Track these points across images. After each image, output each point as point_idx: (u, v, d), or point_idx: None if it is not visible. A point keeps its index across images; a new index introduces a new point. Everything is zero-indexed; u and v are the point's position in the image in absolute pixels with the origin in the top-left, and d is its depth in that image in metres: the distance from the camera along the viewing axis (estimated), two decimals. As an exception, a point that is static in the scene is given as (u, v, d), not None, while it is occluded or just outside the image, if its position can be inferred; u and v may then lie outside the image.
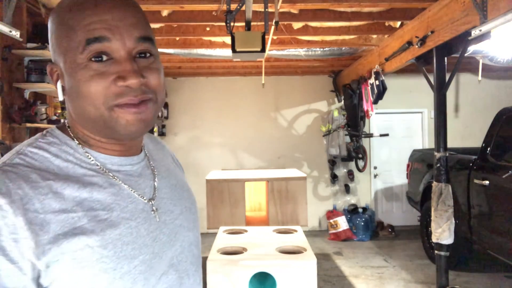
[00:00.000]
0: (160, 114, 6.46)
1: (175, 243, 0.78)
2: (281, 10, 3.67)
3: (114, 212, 0.69)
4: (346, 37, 4.60)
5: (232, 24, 3.07)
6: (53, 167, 0.67)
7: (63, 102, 0.86)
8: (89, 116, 0.69)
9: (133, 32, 0.68)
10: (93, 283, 0.64)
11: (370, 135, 6.23)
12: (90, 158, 0.72)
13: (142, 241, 0.71)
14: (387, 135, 6.30)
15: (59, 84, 0.71)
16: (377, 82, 4.72)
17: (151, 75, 0.70)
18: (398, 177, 6.89)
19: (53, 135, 0.72)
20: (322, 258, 5.35)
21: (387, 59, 4.42)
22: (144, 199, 0.75)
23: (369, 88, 5.01)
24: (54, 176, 0.66)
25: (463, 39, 3.13)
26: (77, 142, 0.72)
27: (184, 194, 0.87)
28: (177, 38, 4.74)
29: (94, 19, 0.66)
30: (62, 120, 3.54)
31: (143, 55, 0.70)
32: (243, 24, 3.33)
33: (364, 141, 6.39)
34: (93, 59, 0.66)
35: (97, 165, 0.72)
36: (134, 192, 0.74)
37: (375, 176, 7.05)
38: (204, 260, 2.73)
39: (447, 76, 3.58)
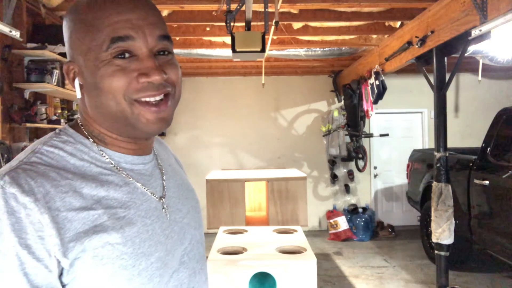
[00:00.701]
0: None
1: (184, 241, 0.80)
2: (281, 10, 3.67)
3: (131, 210, 0.70)
4: (346, 37, 4.60)
5: (232, 24, 3.07)
6: (70, 166, 0.68)
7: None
8: (110, 112, 0.70)
9: (154, 31, 0.70)
10: (113, 279, 0.65)
11: (370, 135, 6.23)
12: (105, 156, 0.72)
13: (157, 238, 0.72)
14: (387, 135, 6.30)
15: (77, 82, 0.71)
16: (377, 82, 4.72)
17: (171, 70, 0.72)
18: (398, 177, 6.89)
19: (67, 134, 0.73)
20: (322, 258, 5.35)
21: (387, 59, 4.42)
22: (156, 198, 0.76)
23: (369, 88, 5.01)
24: (72, 174, 0.67)
25: (463, 39, 3.13)
26: (92, 141, 0.73)
27: (189, 194, 0.89)
28: (177, 38, 4.74)
29: (118, 18, 0.67)
30: (62, 120, 3.54)
31: (162, 52, 0.72)
32: (243, 24, 3.33)
33: (364, 141, 6.39)
34: (116, 56, 0.67)
35: (112, 164, 0.73)
36: (147, 190, 0.75)
37: (375, 176, 7.05)
38: (204, 260, 2.74)
39: (447, 76, 3.58)
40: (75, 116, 0.76)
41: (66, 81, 3.40)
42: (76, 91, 0.73)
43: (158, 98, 0.70)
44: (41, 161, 0.66)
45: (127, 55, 0.68)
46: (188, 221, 0.83)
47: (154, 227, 0.73)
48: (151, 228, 0.72)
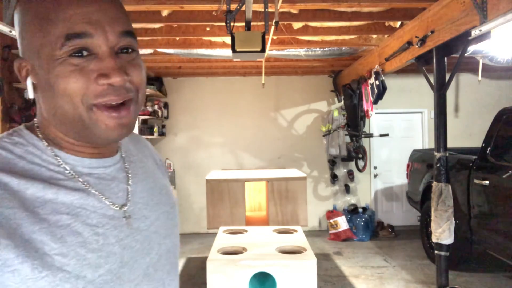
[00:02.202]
0: (160, 114, 6.46)
1: (150, 251, 0.73)
2: (281, 10, 3.67)
3: (79, 217, 0.64)
4: (346, 37, 4.59)
5: (232, 24, 3.07)
6: (17, 169, 0.62)
7: (33, 102, 0.81)
8: (65, 116, 0.64)
9: (115, 27, 0.64)
10: None
11: (370, 135, 6.24)
12: (59, 160, 0.67)
13: (109, 249, 0.66)
14: (387, 135, 6.30)
15: (29, 81, 0.65)
16: (377, 82, 4.72)
17: (134, 71, 0.66)
18: (398, 177, 6.89)
19: (20, 135, 0.67)
20: (322, 258, 5.35)
21: (387, 59, 4.42)
22: (116, 206, 0.70)
23: (369, 88, 5.01)
24: (18, 178, 0.61)
25: (463, 39, 3.13)
26: (46, 144, 0.67)
27: (162, 198, 0.81)
28: (177, 38, 4.74)
29: (74, 12, 0.61)
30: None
31: (125, 50, 0.66)
32: (243, 24, 3.33)
33: (364, 141, 6.39)
34: (73, 54, 0.61)
35: (66, 168, 0.67)
36: (104, 198, 0.69)
37: (375, 176, 7.05)
38: (204, 260, 2.74)
39: (447, 76, 3.58)
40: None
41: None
42: (28, 91, 0.66)
43: (118, 102, 0.64)
44: None
45: (85, 53, 0.62)
46: (156, 229, 0.76)
47: (107, 237, 0.66)
48: (103, 238, 0.65)
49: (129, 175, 0.76)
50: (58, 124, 0.67)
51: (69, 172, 0.66)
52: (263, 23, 3.17)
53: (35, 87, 0.66)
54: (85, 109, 0.63)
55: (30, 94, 0.66)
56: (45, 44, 0.62)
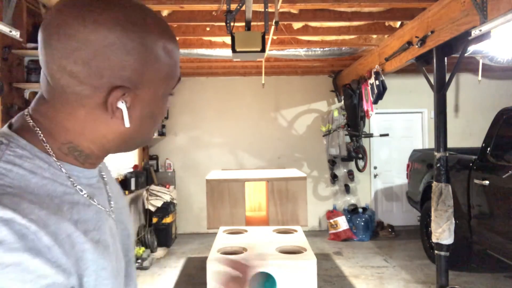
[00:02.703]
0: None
1: (128, 253, 0.79)
2: (281, 10, 3.67)
3: (101, 230, 0.65)
4: (346, 37, 4.60)
5: (232, 24, 3.07)
6: (32, 186, 0.58)
7: None
8: (139, 138, 0.70)
9: None
10: None
11: (370, 135, 6.24)
12: (66, 173, 0.64)
13: (119, 254, 0.71)
14: (387, 135, 6.30)
15: (124, 107, 0.63)
16: (377, 82, 4.72)
17: None
18: (398, 177, 6.89)
19: (20, 146, 0.61)
20: (322, 258, 5.35)
21: (387, 59, 4.42)
22: (108, 213, 0.71)
23: (369, 88, 5.01)
24: (35, 196, 0.58)
25: (463, 39, 3.13)
26: (53, 154, 0.63)
27: (124, 202, 0.85)
28: (177, 38, 4.72)
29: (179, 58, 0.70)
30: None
31: None
32: (243, 24, 3.33)
33: (364, 141, 6.39)
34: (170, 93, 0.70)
35: (74, 181, 0.64)
36: (101, 207, 0.69)
37: (375, 176, 7.05)
38: (204, 260, 2.74)
39: (447, 76, 3.58)
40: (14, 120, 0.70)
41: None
42: (125, 118, 0.64)
43: None
44: (5, 182, 0.56)
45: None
46: (128, 232, 0.80)
47: (116, 244, 0.70)
48: (114, 247, 0.69)
49: (106, 182, 0.77)
50: (117, 144, 0.69)
51: (76, 185, 0.65)
52: (263, 23, 3.17)
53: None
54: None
55: (127, 122, 0.64)
56: (158, 80, 0.65)
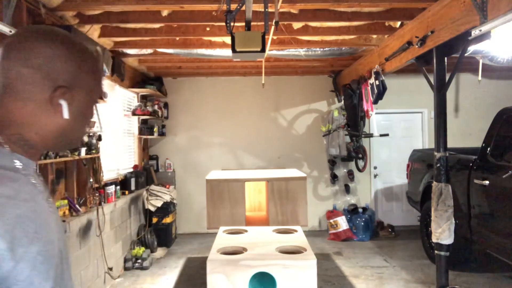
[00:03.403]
0: (160, 114, 6.46)
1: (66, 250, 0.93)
2: (281, 10, 3.67)
3: (58, 221, 0.84)
4: (346, 37, 4.59)
5: (232, 24, 3.07)
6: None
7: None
8: (75, 134, 0.90)
9: None
10: None
11: (370, 135, 6.24)
12: (15, 160, 0.80)
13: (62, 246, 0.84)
14: (387, 135, 6.30)
15: (65, 104, 0.83)
16: (377, 82, 4.72)
17: None
18: (398, 177, 6.89)
19: (19, 160, 0.80)
20: (322, 258, 5.35)
21: (387, 59, 4.42)
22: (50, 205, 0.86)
23: (369, 88, 5.01)
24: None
25: (463, 39, 3.13)
26: (25, 156, 0.81)
27: None
28: (177, 38, 4.74)
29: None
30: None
31: None
32: (243, 24, 3.32)
33: (364, 141, 6.39)
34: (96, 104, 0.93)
35: (33, 174, 0.82)
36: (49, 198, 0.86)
37: (375, 176, 7.05)
38: (204, 260, 2.74)
39: (447, 76, 3.58)
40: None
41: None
42: (64, 111, 0.83)
43: None
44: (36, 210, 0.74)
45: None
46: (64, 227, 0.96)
47: (61, 233, 0.85)
48: (60, 235, 0.83)
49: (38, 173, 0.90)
50: (55, 136, 0.85)
51: (25, 173, 0.79)
52: (263, 23, 3.17)
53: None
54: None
55: (66, 114, 0.84)
56: (96, 92, 0.91)
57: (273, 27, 3.68)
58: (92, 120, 0.93)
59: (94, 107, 0.92)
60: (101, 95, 0.96)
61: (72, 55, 0.85)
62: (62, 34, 0.86)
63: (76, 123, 0.87)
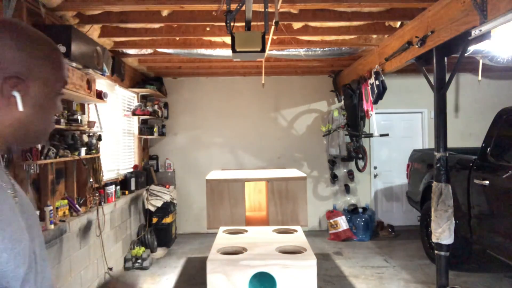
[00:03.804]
0: (160, 114, 6.46)
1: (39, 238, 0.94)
2: (281, 10, 3.67)
3: (18, 215, 0.81)
4: (346, 37, 4.59)
5: (232, 24, 3.07)
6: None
7: None
8: (39, 127, 0.86)
9: None
10: None
11: (370, 135, 6.23)
12: None
13: (24, 234, 0.83)
14: (387, 135, 6.30)
15: (18, 95, 0.80)
16: (377, 82, 4.72)
17: None
18: (398, 177, 6.89)
19: None
20: (322, 258, 5.35)
21: (387, 59, 4.42)
22: (16, 200, 0.84)
23: (369, 88, 5.01)
24: None
25: (463, 39, 3.13)
26: None
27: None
28: (177, 38, 4.74)
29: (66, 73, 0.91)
30: (62, 121, 3.54)
31: None
32: (243, 24, 3.33)
33: (364, 141, 6.39)
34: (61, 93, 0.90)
35: None
36: (3, 184, 0.82)
37: (375, 176, 7.05)
38: (204, 260, 2.74)
39: (447, 76, 3.58)
40: None
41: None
42: (18, 102, 0.80)
43: None
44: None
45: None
46: (35, 219, 0.92)
47: (19, 222, 0.83)
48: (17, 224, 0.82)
49: (9, 176, 0.87)
50: (13, 131, 0.81)
51: None
52: (263, 23, 3.17)
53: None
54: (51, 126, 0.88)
55: (20, 106, 0.80)
56: (56, 81, 0.86)
57: (273, 27, 3.68)
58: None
59: (56, 98, 0.87)
60: (63, 85, 0.89)
61: (23, 44, 0.80)
62: (12, 22, 0.83)
63: (35, 116, 0.83)
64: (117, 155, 5.39)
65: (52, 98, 0.86)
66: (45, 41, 0.85)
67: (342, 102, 6.42)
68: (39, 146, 3.19)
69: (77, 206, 3.87)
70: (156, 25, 4.24)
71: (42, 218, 3.30)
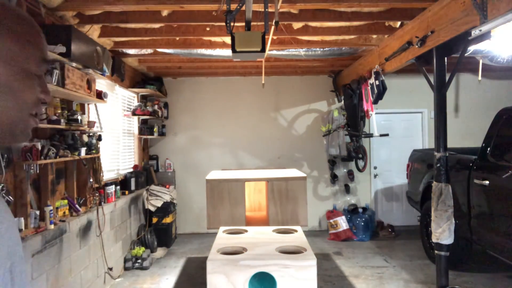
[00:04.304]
0: (160, 114, 6.46)
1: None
2: (281, 10, 3.67)
3: None
4: (346, 37, 4.59)
5: (232, 24, 3.07)
6: None
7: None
8: (11, 116, 0.74)
9: None
10: None
11: (370, 135, 6.24)
12: None
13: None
14: (387, 135, 6.30)
15: None
16: (377, 82, 4.72)
17: None
18: (398, 177, 6.89)
19: None
20: (322, 258, 5.35)
21: (387, 59, 4.42)
22: None
23: (369, 88, 5.01)
24: None
25: (463, 39, 3.13)
26: None
27: None
28: (177, 38, 4.74)
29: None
30: (62, 120, 3.54)
31: None
32: (243, 24, 3.33)
33: (364, 141, 6.39)
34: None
35: None
36: None
37: (375, 176, 7.05)
38: (204, 260, 2.74)
39: (447, 76, 3.58)
40: None
41: (66, 81, 3.40)
42: None
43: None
44: None
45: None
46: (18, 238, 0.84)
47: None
48: None
49: None
50: None
51: None
52: (263, 23, 3.17)
53: None
54: (28, 115, 0.76)
55: None
56: (26, 59, 0.74)
57: (273, 27, 3.68)
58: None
59: (31, 80, 0.75)
60: (40, 64, 0.76)
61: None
62: None
63: (2, 101, 0.71)
64: (117, 155, 5.39)
65: (23, 80, 0.73)
66: (7, 13, 0.73)
67: (342, 102, 6.42)
68: (39, 146, 3.19)
69: (77, 206, 3.87)
70: (156, 25, 4.24)
71: (42, 218, 3.30)
